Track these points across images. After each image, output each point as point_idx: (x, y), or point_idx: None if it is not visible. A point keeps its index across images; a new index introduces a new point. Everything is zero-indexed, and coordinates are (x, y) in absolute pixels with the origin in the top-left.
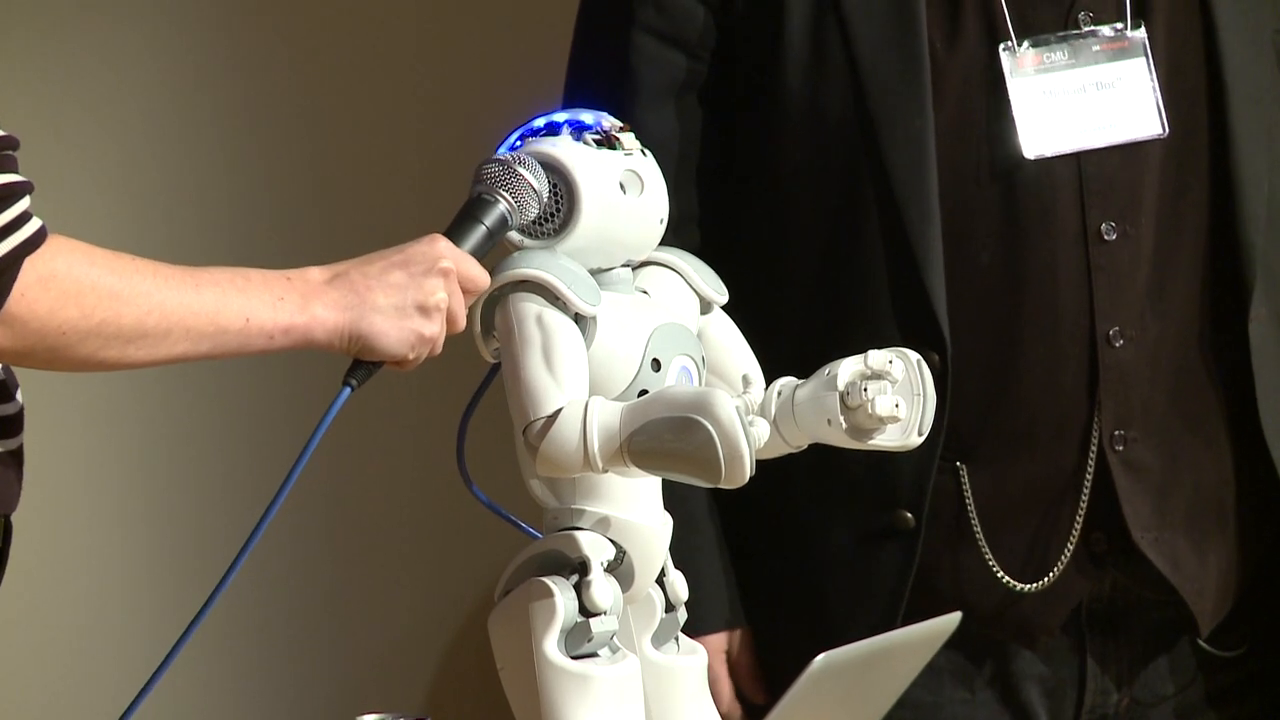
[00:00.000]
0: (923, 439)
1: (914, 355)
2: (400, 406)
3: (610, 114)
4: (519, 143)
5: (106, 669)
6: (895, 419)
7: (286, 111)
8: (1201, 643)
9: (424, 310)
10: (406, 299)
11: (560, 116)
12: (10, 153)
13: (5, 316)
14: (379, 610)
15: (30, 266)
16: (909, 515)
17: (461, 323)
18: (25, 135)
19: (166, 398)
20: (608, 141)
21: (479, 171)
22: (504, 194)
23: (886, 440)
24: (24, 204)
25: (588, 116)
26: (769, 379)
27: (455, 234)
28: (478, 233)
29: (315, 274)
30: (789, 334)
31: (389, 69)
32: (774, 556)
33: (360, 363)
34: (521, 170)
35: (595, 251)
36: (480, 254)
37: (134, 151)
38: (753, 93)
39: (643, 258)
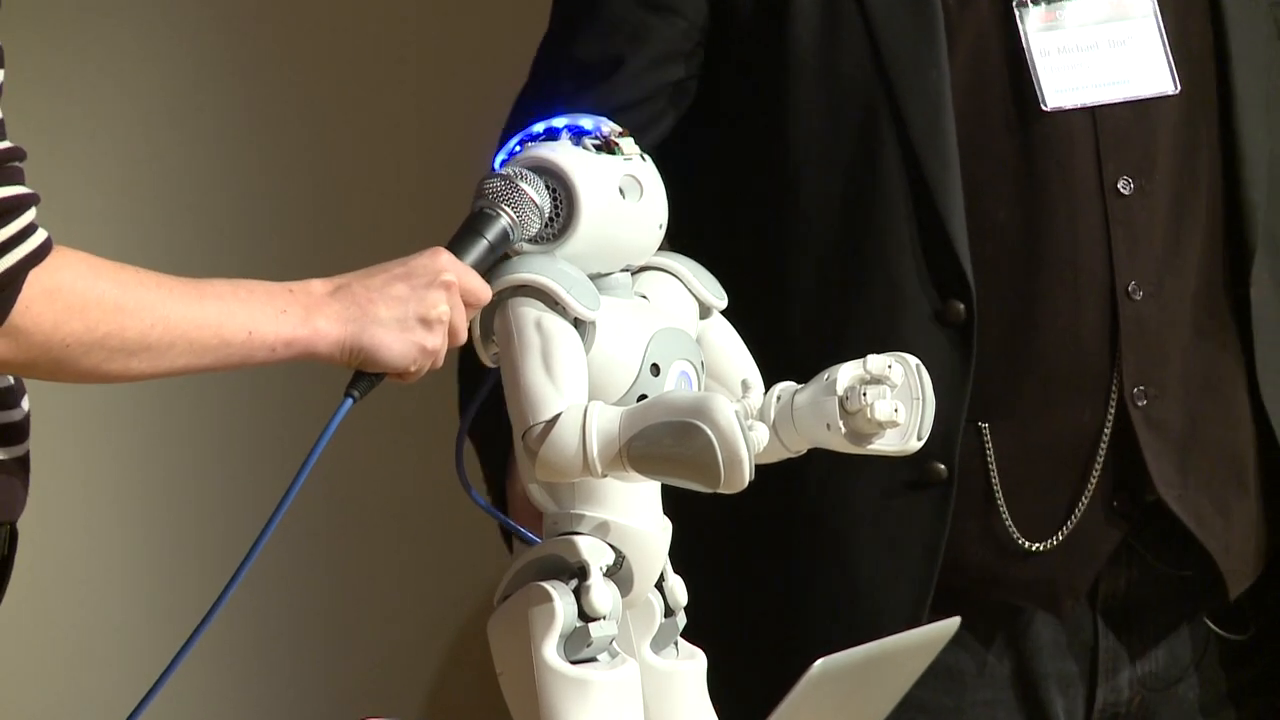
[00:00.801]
0: (922, 443)
1: (913, 360)
2: (400, 411)
3: (596, 84)
4: (518, 148)
5: (109, 675)
6: (894, 424)
7: (287, 117)
8: (1209, 623)
9: (426, 323)
10: (408, 311)
11: (559, 122)
12: (16, 164)
13: (9, 329)
14: (379, 615)
15: (35, 279)
16: (941, 466)
17: (463, 336)
18: (24, 141)
19: (170, 406)
20: (607, 147)
21: (481, 186)
22: (506, 208)
23: (886, 445)
24: (29, 216)
25: (586, 122)
26: (793, 352)
27: (457, 247)
28: (479, 247)
29: (317, 286)
30: (807, 300)
31: (389, 73)
32: (789, 526)
33: (362, 374)
34: (524, 185)
35: (594, 256)
36: (482, 268)
37: (134, 157)
38: (758, 60)
39: (641, 262)
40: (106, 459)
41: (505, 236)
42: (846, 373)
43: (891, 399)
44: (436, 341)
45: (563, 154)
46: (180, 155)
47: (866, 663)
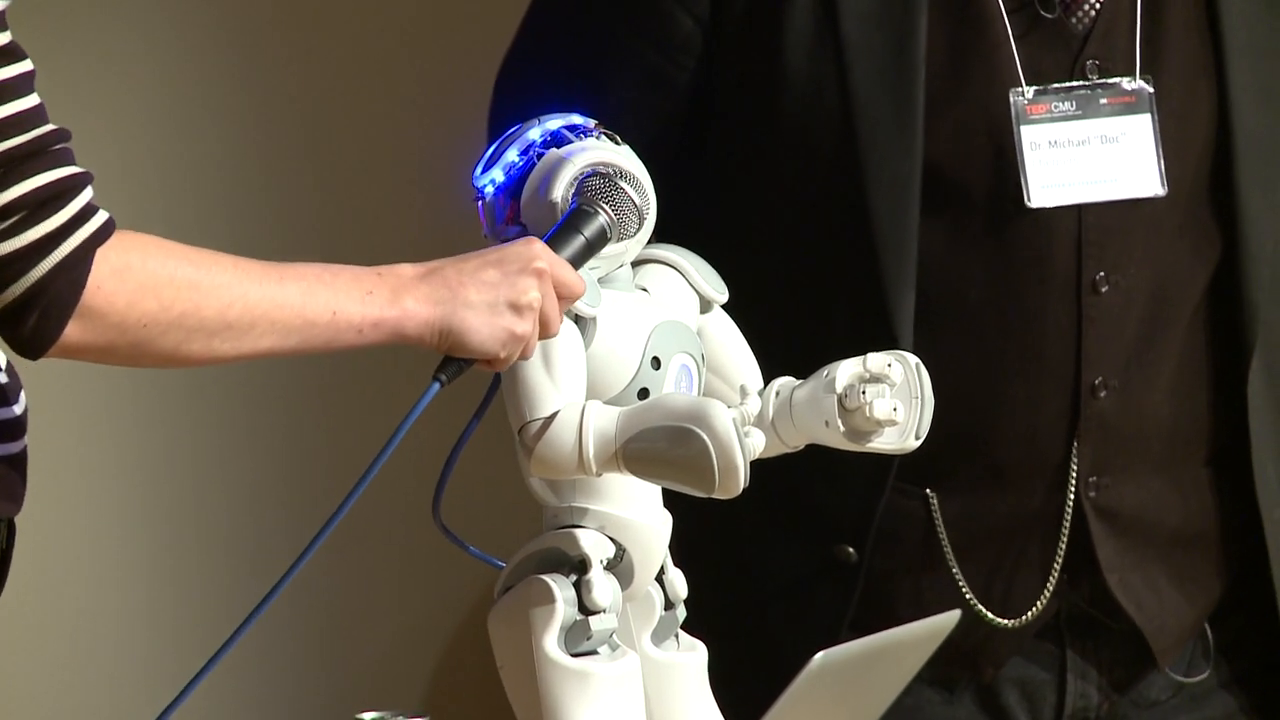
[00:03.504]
0: (920, 442)
1: (913, 359)
2: (400, 404)
3: (577, 100)
4: (520, 160)
5: (108, 670)
6: (893, 422)
7: (287, 113)
8: (1168, 671)
9: (516, 309)
10: (499, 296)
11: (554, 123)
12: (64, 145)
13: (83, 310)
14: (378, 608)
15: (103, 258)
16: (851, 550)
17: (555, 326)
18: None
19: (170, 402)
20: (612, 137)
21: (580, 184)
22: (605, 207)
23: (884, 443)
24: (87, 195)
25: (575, 119)
26: (774, 354)
27: (554, 241)
28: (576, 242)
29: (407, 270)
30: (776, 319)
31: (387, 72)
32: (714, 579)
33: (450, 359)
34: (624, 185)
35: (638, 247)
36: (577, 264)
37: (135, 157)
38: (742, 110)
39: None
40: (107, 456)
41: (602, 235)
42: (846, 370)
43: (890, 398)
44: (526, 327)
45: (613, 154)
46: (182, 155)
47: (866, 656)
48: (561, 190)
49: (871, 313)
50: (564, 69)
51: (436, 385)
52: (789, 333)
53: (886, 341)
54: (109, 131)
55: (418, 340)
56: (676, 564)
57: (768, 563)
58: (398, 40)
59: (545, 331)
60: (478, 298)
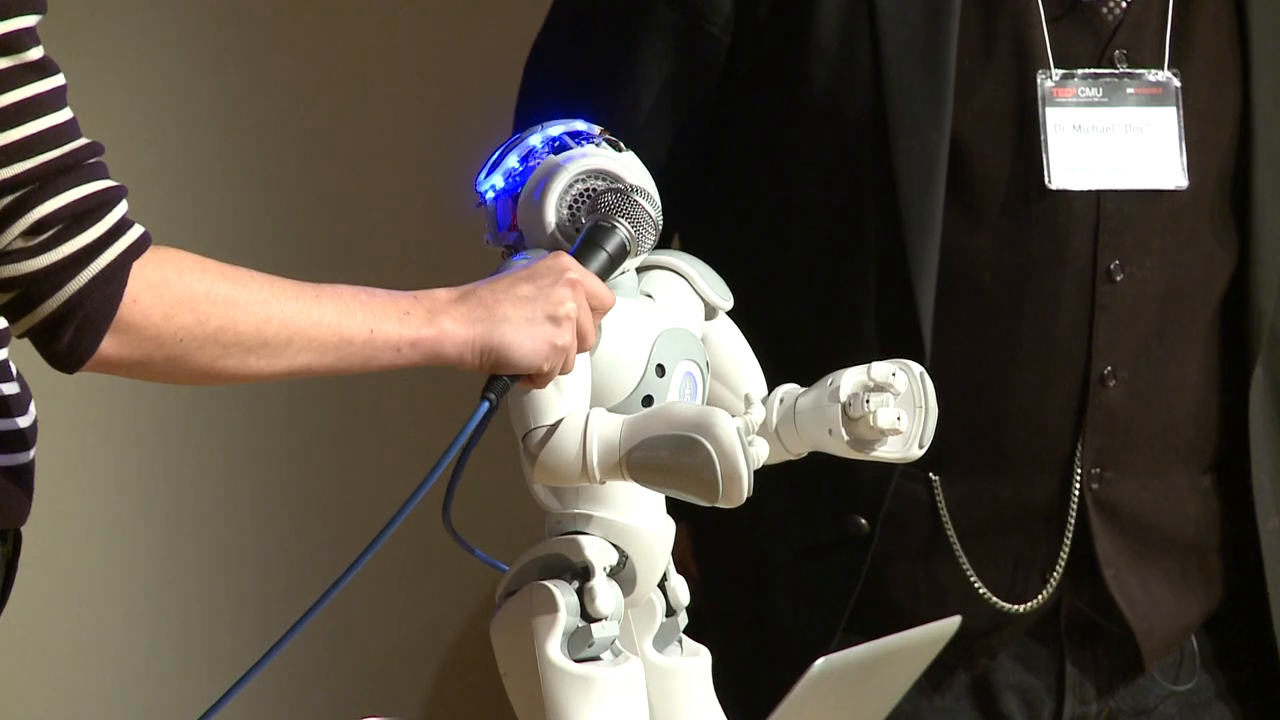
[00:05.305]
0: (924, 451)
1: (917, 368)
2: (402, 409)
3: (605, 83)
4: (520, 166)
5: (110, 679)
6: (897, 431)
7: (290, 118)
8: (1154, 675)
9: (554, 320)
10: (536, 310)
11: (556, 129)
12: (97, 160)
13: (119, 324)
14: (381, 614)
15: (139, 272)
16: (864, 521)
17: (591, 339)
18: None
19: (174, 412)
20: (615, 145)
21: (595, 200)
22: (623, 222)
23: (888, 452)
24: (122, 209)
25: (579, 125)
26: (776, 357)
27: (578, 257)
28: (599, 258)
29: (441, 293)
30: (776, 326)
31: (388, 72)
32: (725, 550)
33: (496, 377)
34: (640, 200)
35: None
36: (602, 279)
37: (132, 157)
38: (770, 80)
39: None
40: (110, 466)
41: (623, 249)
42: (850, 379)
43: (894, 407)
44: (566, 338)
45: (611, 161)
46: (183, 158)
47: (867, 662)
48: (555, 197)
49: (893, 286)
50: (597, 51)
51: (486, 405)
52: (806, 320)
53: (907, 318)
54: (109, 133)
55: (457, 361)
56: (689, 530)
57: (780, 531)
58: (401, 43)
59: (582, 344)
60: (515, 313)
